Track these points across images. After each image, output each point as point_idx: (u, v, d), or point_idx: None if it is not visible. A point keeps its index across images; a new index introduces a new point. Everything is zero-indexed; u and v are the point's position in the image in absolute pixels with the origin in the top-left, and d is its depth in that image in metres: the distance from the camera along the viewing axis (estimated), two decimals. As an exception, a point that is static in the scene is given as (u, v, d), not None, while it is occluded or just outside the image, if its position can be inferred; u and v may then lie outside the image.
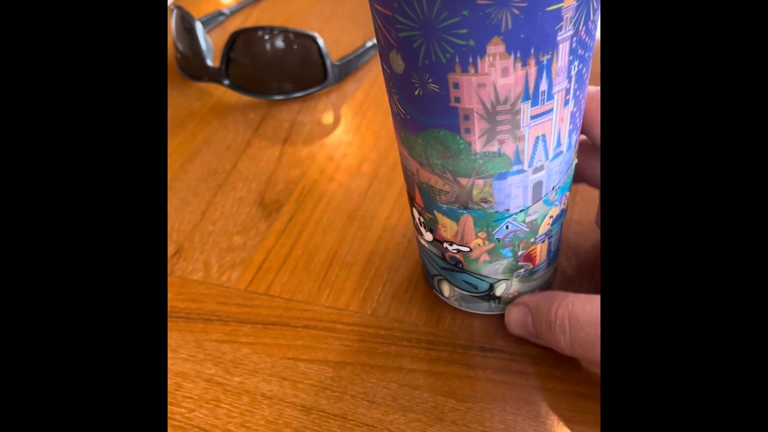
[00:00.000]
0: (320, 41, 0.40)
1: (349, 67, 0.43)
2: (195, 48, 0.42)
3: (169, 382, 0.27)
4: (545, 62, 0.18)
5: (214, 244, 0.33)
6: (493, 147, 0.20)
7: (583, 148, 0.27)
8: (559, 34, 0.18)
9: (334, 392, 0.26)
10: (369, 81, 0.43)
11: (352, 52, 0.43)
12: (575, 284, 0.29)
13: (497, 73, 0.18)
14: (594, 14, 0.18)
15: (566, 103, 0.20)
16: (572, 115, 0.21)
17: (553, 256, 0.27)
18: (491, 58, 0.18)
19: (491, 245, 0.24)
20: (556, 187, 0.23)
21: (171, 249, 0.33)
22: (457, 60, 0.18)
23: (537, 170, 0.21)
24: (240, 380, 0.27)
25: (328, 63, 0.41)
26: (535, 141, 0.20)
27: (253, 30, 0.40)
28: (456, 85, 0.19)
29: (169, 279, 0.32)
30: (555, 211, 0.24)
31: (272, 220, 0.34)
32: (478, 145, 0.20)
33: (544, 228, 0.24)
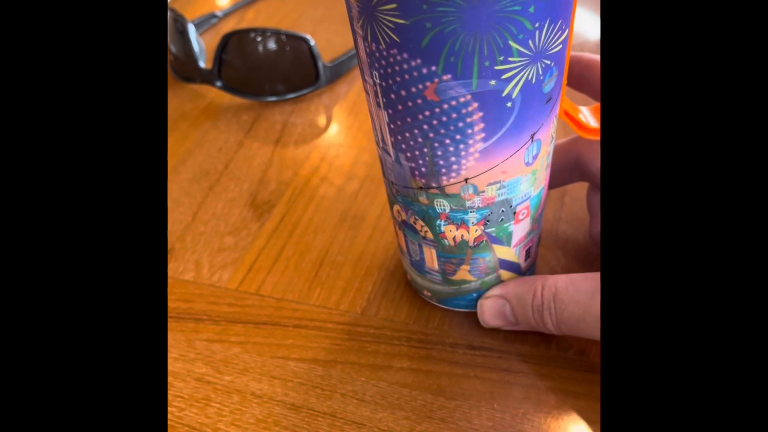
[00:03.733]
0: (312, 43, 0.40)
1: (341, 69, 0.43)
2: (187, 50, 0.42)
3: (160, 381, 0.28)
4: (357, 38, 0.19)
5: (205, 244, 0.34)
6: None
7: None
8: (355, 23, 0.19)
9: (324, 391, 0.26)
10: (361, 82, 0.44)
11: (344, 53, 0.43)
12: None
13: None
14: (393, 57, 0.18)
15: (378, 105, 0.20)
16: (391, 130, 0.21)
17: (418, 266, 0.26)
18: None
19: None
20: (397, 189, 0.23)
21: (163, 249, 0.34)
22: None
23: (382, 148, 0.22)
24: (230, 379, 0.27)
25: (320, 64, 0.41)
26: (369, 112, 0.22)
27: (245, 32, 0.40)
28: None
29: (161, 279, 0.32)
30: (402, 215, 0.24)
31: (264, 221, 0.34)
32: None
33: (402, 216, 0.24)
